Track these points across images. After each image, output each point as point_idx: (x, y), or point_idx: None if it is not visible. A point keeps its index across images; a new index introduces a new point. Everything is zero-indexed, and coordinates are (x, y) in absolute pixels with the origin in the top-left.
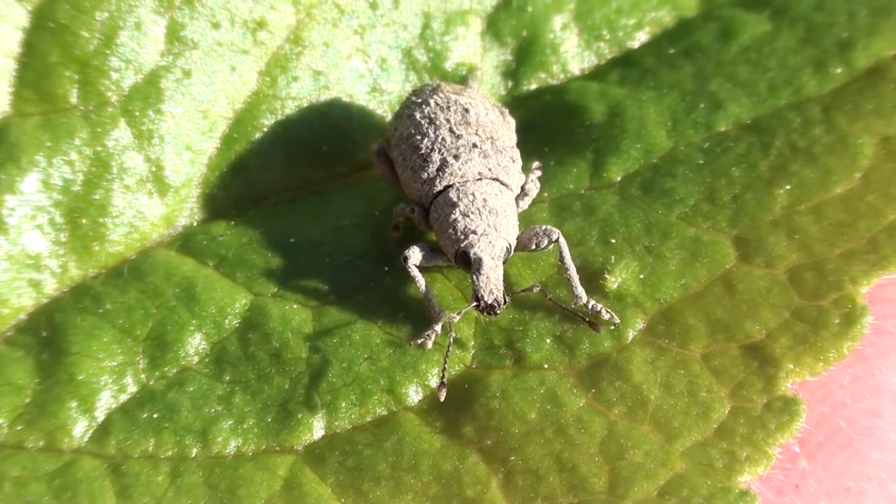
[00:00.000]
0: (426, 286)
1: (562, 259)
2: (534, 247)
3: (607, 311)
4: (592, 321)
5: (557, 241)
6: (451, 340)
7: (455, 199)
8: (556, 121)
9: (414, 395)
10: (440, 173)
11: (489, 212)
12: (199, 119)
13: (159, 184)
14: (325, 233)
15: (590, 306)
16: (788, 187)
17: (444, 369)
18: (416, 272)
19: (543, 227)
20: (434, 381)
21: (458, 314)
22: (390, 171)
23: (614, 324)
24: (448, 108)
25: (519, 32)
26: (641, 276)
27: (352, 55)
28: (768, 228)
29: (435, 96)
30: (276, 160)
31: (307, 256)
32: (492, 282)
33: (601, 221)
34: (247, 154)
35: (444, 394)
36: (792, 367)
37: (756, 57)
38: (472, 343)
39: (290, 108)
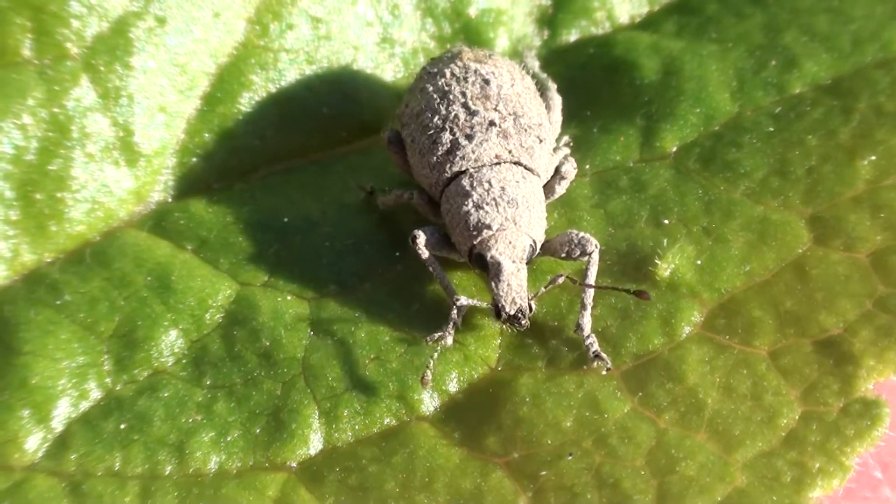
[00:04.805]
0: (441, 271)
1: (585, 276)
2: (563, 255)
3: (600, 354)
4: (639, 290)
5: (591, 255)
6: (447, 341)
7: (468, 188)
8: (601, 79)
9: (429, 402)
10: (450, 157)
11: (507, 202)
12: (176, 75)
13: (128, 152)
14: (325, 211)
15: (588, 342)
16: (873, 158)
17: (429, 366)
18: (426, 254)
19: (580, 236)
20: (453, 386)
21: (459, 311)
22: (405, 160)
23: (606, 368)
24: (465, 78)
25: None
26: (699, 262)
27: None
28: (849, 206)
29: (452, 65)
30: (266, 124)
31: (303, 239)
32: (514, 289)
33: (652, 199)
34: (232, 117)
35: (429, 382)
36: (874, 364)
37: (838, 5)
38: (499, 340)
39: (284, 63)
